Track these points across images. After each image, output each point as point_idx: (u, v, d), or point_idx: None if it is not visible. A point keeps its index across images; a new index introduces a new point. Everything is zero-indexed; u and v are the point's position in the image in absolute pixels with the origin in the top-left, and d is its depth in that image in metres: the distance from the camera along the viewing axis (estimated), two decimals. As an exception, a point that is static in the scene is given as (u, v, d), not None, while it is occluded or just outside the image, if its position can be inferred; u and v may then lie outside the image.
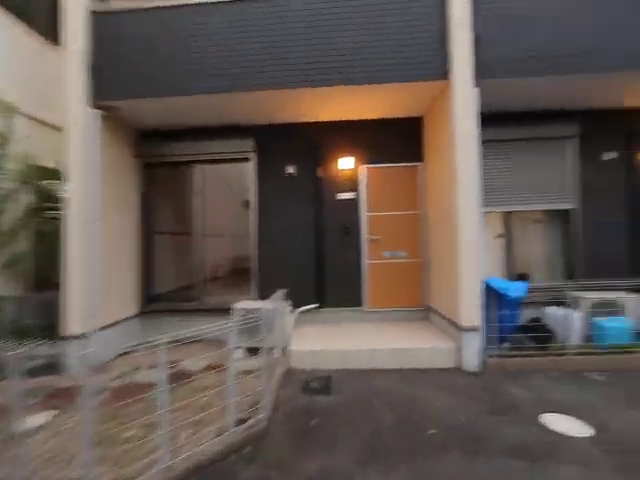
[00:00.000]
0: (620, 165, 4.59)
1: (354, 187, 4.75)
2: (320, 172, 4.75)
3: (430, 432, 2.41)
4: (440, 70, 3.62)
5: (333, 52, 3.68)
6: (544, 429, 2.43)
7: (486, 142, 4.41)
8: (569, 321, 3.81)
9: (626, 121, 4.58)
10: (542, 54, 3.60)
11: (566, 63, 3.60)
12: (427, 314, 4.58)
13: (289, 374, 3.45)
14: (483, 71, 3.60)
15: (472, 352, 3.47)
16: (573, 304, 4.04)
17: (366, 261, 4.69)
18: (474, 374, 3.39)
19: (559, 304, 4.13)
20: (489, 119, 4.45)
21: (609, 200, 4.60)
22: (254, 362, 3.04)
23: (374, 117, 4.66)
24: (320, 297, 4.66)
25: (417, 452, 2.20)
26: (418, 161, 4.70)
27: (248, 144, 4.72)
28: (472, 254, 3.53)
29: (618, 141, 4.60)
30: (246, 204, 4.93)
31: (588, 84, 3.88)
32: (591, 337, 3.82)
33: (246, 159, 4.79)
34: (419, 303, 4.66)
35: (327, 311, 4.65)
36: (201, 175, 5.02)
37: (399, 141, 4.75)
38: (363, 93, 3.88)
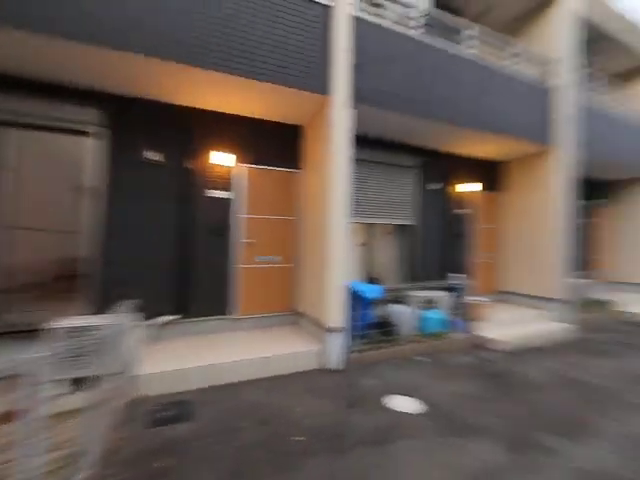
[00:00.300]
0: (443, 194, 6.04)
1: (231, 186, 4.43)
2: (193, 165, 4.20)
3: (296, 440, 2.40)
4: (322, 85, 3.81)
5: (220, 34, 3.32)
6: (391, 412, 2.82)
7: (359, 161, 4.98)
8: (405, 316, 4.66)
9: (446, 162, 6.07)
10: (403, 96, 4.32)
11: (417, 107, 4.43)
12: (298, 318, 4.70)
13: (136, 405, 2.82)
14: (359, 97, 4.02)
15: (336, 351, 3.74)
16: (409, 301, 4.97)
17: (239, 265, 4.43)
18: (337, 372, 3.65)
19: (400, 302, 5.00)
20: (365, 141, 5.05)
21: (436, 220, 5.96)
22: (81, 398, 2.32)
23: (260, 117, 4.50)
24: (184, 306, 4.09)
25: (283, 465, 2.14)
26: (298, 168, 4.82)
27: (94, 114, 3.70)
28: (339, 260, 3.83)
29: (442, 175, 6.04)
30: (85, 191, 3.85)
31: (432, 128, 4.89)
32: (419, 327, 4.78)
33: (91, 133, 3.74)
34: (291, 308, 4.73)
35: (192, 322, 4.12)
36: (12, 144, 3.62)
37: (282, 146, 4.74)
38: (248, 88, 3.65)
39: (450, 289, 5.24)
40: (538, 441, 2.47)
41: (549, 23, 6.02)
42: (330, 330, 3.75)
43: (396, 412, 2.82)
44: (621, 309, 6.64)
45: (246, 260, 4.48)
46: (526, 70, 5.71)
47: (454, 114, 4.76)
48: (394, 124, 4.74)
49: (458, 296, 5.10)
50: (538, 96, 5.70)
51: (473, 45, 5.09)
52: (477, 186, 6.09)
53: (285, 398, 3.02)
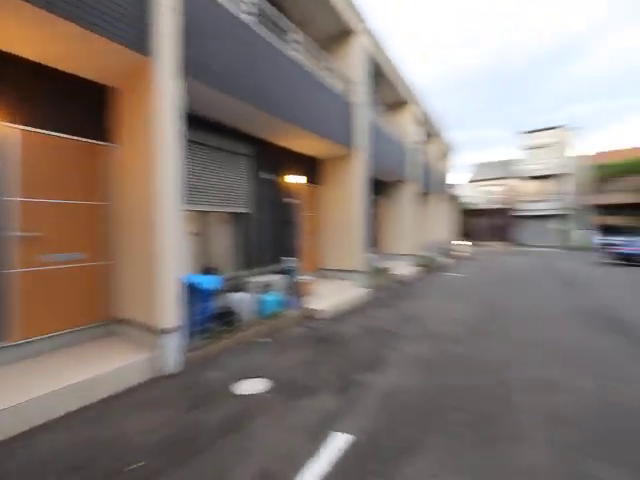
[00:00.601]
0: (274, 184, 6.43)
1: (-15, 154, 2.98)
2: None
3: (135, 467, 2.03)
4: (140, 43, 3.13)
5: None
6: (239, 398, 2.84)
7: (193, 143, 4.50)
8: (246, 302, 4.76)
9: (277, 154, 6.47)
10: (236, 80, 4.18)
11: (249, 95, 4.43)
12: (119, 327, 3.84)
13: None
14: (191, 70, 3.59)
15: (173, 353, 3.36)
16: (248, 288, 5.09)
17: (13, 270, 3.12)
18: (177, 375, 3.30)
19: (240, 290, 5.04)
20: (200, 123, 4.57)
21: (269, 208, 6.28)
22: None
23: (50, 63, 3.21)
24: None
25: (121, 502, 1.77)
26: (110, 141, 3.80)
27: None
28: (172, 252, 3.41)
29: (274, 166, 6.40)
30: None
31: (263, 118, 5.00)
32: (259, 311, 5.01)
33: None
34: (107, 316, 3.81)
35: None
36: None
37: (86, 109, 3.59)
38: (25, 15, 2.51)
39: (284, 271, 5.75)
40: (355, 380, 3.18)
41: (350, 51, 7.45)
42: (164, 332, 3.31)
43: (245, 396, 2.89)
44: (392, 273, 9.39)
45: (27, 261, 3.21)
46: (337, 84, 6.86)
47: (282, 109, 5.09)
48: (230, 109, 4.58)
49: (290, 277, 5.67)
50: (344, 108, 7.00)
51: (298, 49, 5.60)
52: (302, 179, 6.88)
53: (112, 424, 2.46)
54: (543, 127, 26.47)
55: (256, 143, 5.90)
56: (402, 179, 11.38)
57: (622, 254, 12.78)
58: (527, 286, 8.48)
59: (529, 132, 27.11)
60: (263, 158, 6.10)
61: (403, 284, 8.80)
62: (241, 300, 4.76)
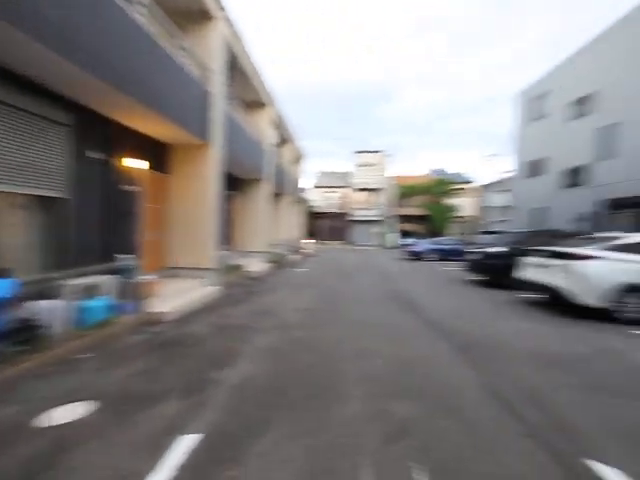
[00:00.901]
0: (107, 166, 5.28)
1: None
2: None
3: None
4: None
5: None
6: (49, 431, 2.27)
7: None
8: (58, 311, 3.77)
9: (112, 130, 5.35)
10: (50, 23, 3.19)
11: (68, 48, 3.48)
12: None
13: None
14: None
15: None
16: (62, 293, 4.03)
17: None
18: None
19: (51, 295, 3.92)
20: None
21: (98, 195, 5.12)
22: None
23: None
24: None
25: None
26: None
27: None
28: None
29: (106, 145, 5.25)
30: None
31: (89, 83, 4.01)
32: (80, 320, 4.06)
33: None
34: None
35: None
36: None
37: None
38: None
39: (117, 271, 4.87)
40: (205, 379, 3.11)
41: (208, 35, 7.03)
42: None
43: (59, 427, 2.33)
44: (245, 269, 9.52)
45: None
46: (192, 68, 6.34)
47: (116, 76, 4.22)
48: (37, 58, 3.46)
49: (126, 277, 4.87)
50: (199, 95, 6.56)
51: (143, 13, 4.84)
52: (145, 164, 5.99)
53: None
54: (368, 150, 33.06)
55: (83, 113, 4.70)
56: (258, 178, 11.68)
57: (413, 252, 17.65)
58: (354, 277, 10.46)
59: (358, 152, 33.24)
60: (93, 133, 4.93)
61: (255, 280, 9.08)
62: (52, 309, 3.73)
